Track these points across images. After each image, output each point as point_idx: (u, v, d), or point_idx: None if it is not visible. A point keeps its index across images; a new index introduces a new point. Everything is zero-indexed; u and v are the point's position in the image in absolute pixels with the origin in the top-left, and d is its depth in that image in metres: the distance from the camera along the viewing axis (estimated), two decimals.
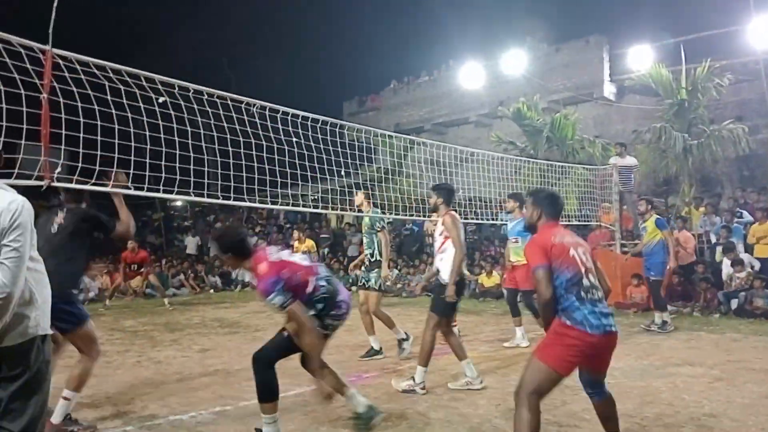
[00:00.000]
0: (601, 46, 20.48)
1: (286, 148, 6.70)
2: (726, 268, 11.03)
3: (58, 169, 4.44)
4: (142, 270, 14.02)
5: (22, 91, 4.29)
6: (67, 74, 4.50)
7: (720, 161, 15.02)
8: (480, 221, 10.76)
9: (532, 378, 3.53)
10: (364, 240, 7.56)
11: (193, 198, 6.06)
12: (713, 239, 12.34)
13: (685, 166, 14.04)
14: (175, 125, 5.62)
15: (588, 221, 12.72)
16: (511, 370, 6.39)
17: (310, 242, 11.07)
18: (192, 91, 5.59)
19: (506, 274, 9.52)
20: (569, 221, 12.55)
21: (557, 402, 5.08)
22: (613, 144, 14.53)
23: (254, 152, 6.38)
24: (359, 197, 7.51)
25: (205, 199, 6.32)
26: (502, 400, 5.19)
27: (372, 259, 7.31)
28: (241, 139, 6.31)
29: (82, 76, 4.65)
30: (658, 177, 15.79)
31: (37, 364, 2.54)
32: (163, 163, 5.48)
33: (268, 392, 4.18)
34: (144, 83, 5.20)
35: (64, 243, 4.61)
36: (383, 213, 7.81)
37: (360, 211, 7.65)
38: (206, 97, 5.85)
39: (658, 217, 9.32)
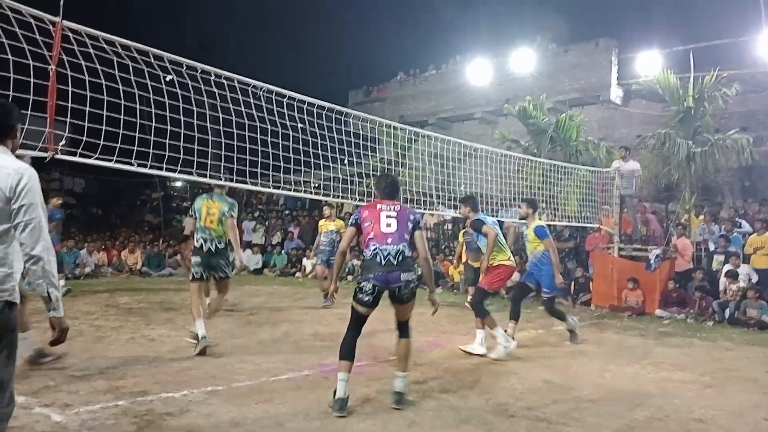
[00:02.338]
0: (610, 49, 20.41)
1: (290, 133, 6.70)
2: (724, 277, 11.05)
3: (63, 142, 4.44)
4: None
5: (30, 62, 4.28)
6: (76, 47, 4.50)
7: (722, 170, 15.00)
8: (480, 216, 10.75)
9: None
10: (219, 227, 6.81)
11: (194, 178, 6.08)
12: (711, 248, 12.36)
13: (688, 174, 14.03)
14: (181, 104, 5.62)
15: (588, 223, 12.73)
16: (503, 365, 6.42)
17: (340, 222, 10.93)
18: (200, 71, 5.60)
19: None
20: (569, 222, 12.58)
21: (547, 400, 5.11)
22: (618, 148, 14.52)
23: (258, 136, 6.38)
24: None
25: (207, 179, 6.33)
26: (492, 395, 5.21)
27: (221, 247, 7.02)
28: (246, 121, 6.32)
29: (91, 50, 4.65)
30: (659, 183, 15.76)
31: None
32: (167, 141, 5.48)
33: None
34: (152, 60, 5.20)
35: None
36: None
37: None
38: (213, 78, 5.85)
39: (539, 224, 7.97)
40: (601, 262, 12.33)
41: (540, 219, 8.55)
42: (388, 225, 4.77)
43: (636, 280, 11.35)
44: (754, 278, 10.83)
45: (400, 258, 4.69)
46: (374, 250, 4.70)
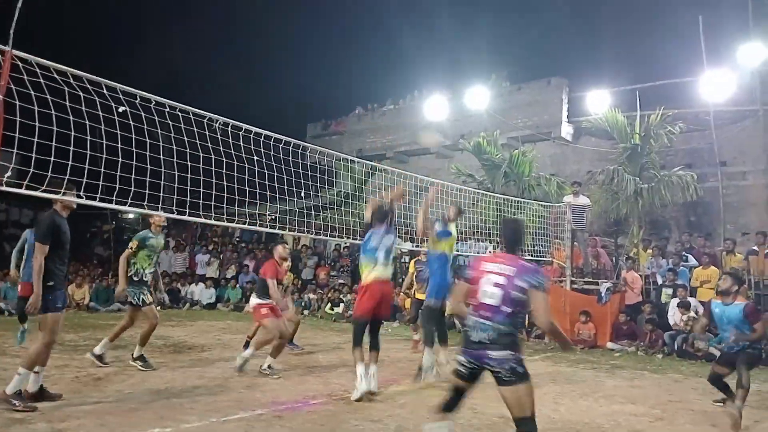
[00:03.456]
0: (561, 87, 21.08)
1: (246, 166, 6.65)
2: (672, 309, 11.34)
3: (8, 173, 4.30)
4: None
5: None
6: (25, 77, 4.40)
7: (669, 206, 15.54)
8: None
9: None
10: (154, 258, 7.86)
11: (146, 211, 5.96)
12: (659, 281, 12.70)
13: (636, 209, 14.48)
14: (133, 136, 5.53)
15: (541, 257, 12.94)
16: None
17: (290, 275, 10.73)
18: (154, 102, 5.53)
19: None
20: (522, 255, 12.76)
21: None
22: (569, 183, 14.91)
23: (213, 168, 6.31)
24: (161, 216, 7.42)
25: (159, 213, 6.21)
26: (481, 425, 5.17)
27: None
28: (200, 154, 6.25)
29: (42, 80, 4.55)
30: (609, 217, 16.22)
31: None
32: (118, 173, 5.37)
33: None
34: (105, 92, 5.12)
35: None
36: (341, 237, 7.80)
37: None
38: (168, 109, 5.78)
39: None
40: (554, 295, 12.49)
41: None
42: (491, 296, 4.02)
43: (588, 313, 11.54)
44: (701, 311, 11.14)
45: (495, 336, 3.95)
46: (473, 321, 4.06)
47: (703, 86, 16.51)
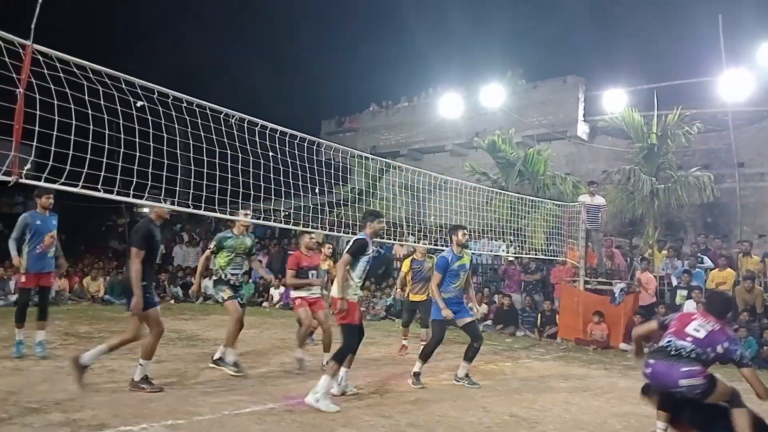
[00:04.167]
0: (577, 86, 20.93)
1: (261, 161, 6.67)
2: (687, 311, 11.24)
3: (28, 166, 4.36)
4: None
5: None
6: (45, 71, 4.44)
7: (685, 207, 15.40)
8: None
9: None
10: (238, 260, 7.66)
11: (162, 205, 6.00)
12: (674, 282, 12.60)
13: (651, 209, 14.38)
14: (151, 130, 5.57)
15: (555, 256, 12.90)
16: (471, 398, 6.39)
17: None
18: (171, 97, 5.56)
19: None
20: (536, 254, 12.72)
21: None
22: (585, 182, 14.82)
23: (229, 163, 6.35)
24: (244, 218, 7.47)
25: (175, 207, 6.26)
26: (460, 430, 5.18)
27: (241, 281, 7.80)
28: (216, 149, 6.28)
29: (61, 74, 4.60)
30: (624, 218, 16.11)
31: None
32: (135, 167, 5.41)
33: None
34: (123, 86, 5.15)
35: None
36: (354, 234, 7.80)
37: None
38: (185, 104, 5.81)
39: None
40: (567, 295, 12.46)
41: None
42: (696, 330, 4.53)
43: (601, 314, 11.48)
44: None
45: (693, 356, 4.37)
46: (668, 341, 4.56)
47: (722, 86, 16.33)
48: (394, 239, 9.20)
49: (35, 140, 4.43)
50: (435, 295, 7.20)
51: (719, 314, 4.70)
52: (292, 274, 7.92)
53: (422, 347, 7.47)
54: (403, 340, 9.62)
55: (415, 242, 9.77)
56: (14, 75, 4.24)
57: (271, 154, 6.74)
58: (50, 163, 4.59)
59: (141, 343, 6.09)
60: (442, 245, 9.80)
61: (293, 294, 8.06)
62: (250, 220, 7.56)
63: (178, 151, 5.89)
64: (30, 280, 7.54)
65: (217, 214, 6.39)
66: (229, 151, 6.31)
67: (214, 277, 7.70)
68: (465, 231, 7.49)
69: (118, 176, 5.18)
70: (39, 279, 7.61)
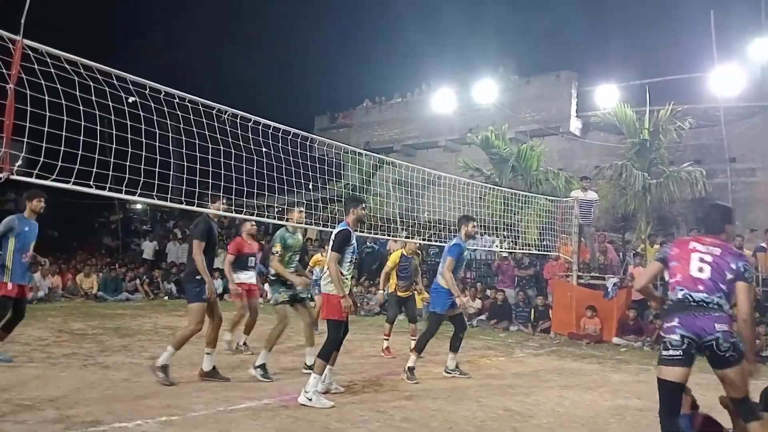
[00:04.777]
0: (570, 81, 20.99)
1: (254, 157, 6.66)
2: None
3: (19, 162, 4.33)
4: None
5: None
6: (36, 66, 4.42)
7: (677, 202, 15.49)
8: (443, 244, 10.82)
9: None
10: (296, 257, 7.31)
11: (155, 201, 5.97)
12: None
13: (644, 204, 14.45)
14: (143, 126, 5.54)
15: (548, 251, 12.94)
16: (464, 392, 6.41)
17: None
18: (163, 93, 5.54)
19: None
20: (529, 249, 12.76)
21: (507, 429, 5.11)
22: (577, 178, 14.87)
23: (222, 159, 6.33)
24: (296, 216, 7.30)
25: (168, 203, 6.23)
26: (454, 423, 5.19)
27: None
28: (209, 145, 6.26)
29: (52, 70, 4.57)
30: (616, 213, 16.19)
31: None
32: (127, 163, 5.39)
33: None
34: (115, 82, 5.13)
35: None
36: None
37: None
38: (177, 100, 5.79)
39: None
40: (560, 289, 12.50)
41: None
42: (700, 270, 3.95)
43: (594, 308, 11.53)
44: None
45: (716, 307, 3.82)
46: (684, 294, 3.94)
47: (714, 82, 16.41)
48: (388, 234, 9.20)
49: (26, 136, 4.41)
50: (449, 283, 7.07)
51: (718, 231, 4.19)
52: (231, 259, 8.30)
53: (415, 341, 7.44)
54: (384, 341, 8.84)
55: (407, 237, 9.75)
56: (4, 71, 4.21)
57: (264, 150, 6.73)
58: (42, 159, 4.56)
59: (205, 334, 6.52)
60: (436, 241, 9.83)
61: (236, 279, 8.25)
62: (247, 217, 7.53)
63: (170, 147, 5.87)
64: (14, 289, 6.68)
65: (211, 210, 6.36)
66: (221, 147, 6.30)
67: (271, 278, 7.31)
68: (475, 223, 7.49)
69: (110, 172, 5.16)
70: (21, 290, 6.85)
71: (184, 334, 6.29)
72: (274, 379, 6.67)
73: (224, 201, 6.44)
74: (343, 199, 7.49)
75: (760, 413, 3.86)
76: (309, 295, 7.74)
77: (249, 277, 8.42)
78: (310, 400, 5.51)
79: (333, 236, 6.00)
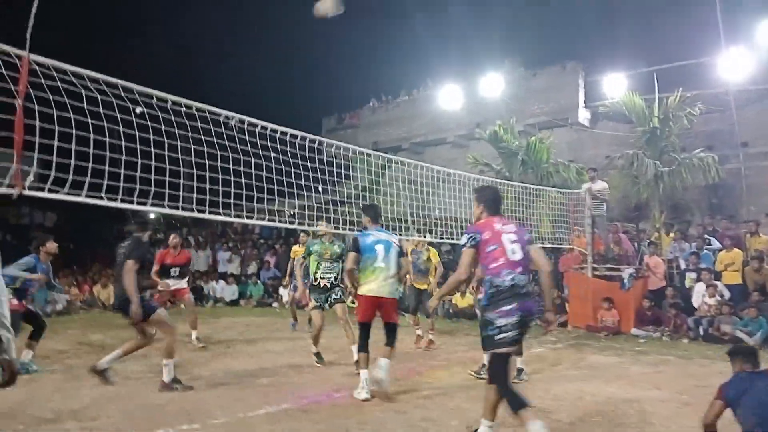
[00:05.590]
0: (576, 72, 20.84)
1: (263, 162, 6.66)
2: (697, 294, 11.20)
3: (30, 178, 4.36)
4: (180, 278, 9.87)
5: None
6: (43, 81, 4.44)
7: (690, 189, 15.34)
8: (455, 241, 10.77)
9: None
10: (325, 265, 7.90)
11: (167, 210, 5.99)
12: (683, 265, 12.55)
13: (656, 193, 14.32)
14: (151, 136, 5.56)
15: (561, 244, 12.86)
16: (482, 391, 6.37)
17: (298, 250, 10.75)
18: (170, 102, 5.56)
19: None
20: (543, 243, 12.68)
21: None
22: (588, 169, 14.76)
23: (231, 166, 6.34)
24: (323, 227, 7.88)
25: (180, 212, 6.24)
26: (473, 421, 5.16)
27: (333, 283, 7.89)
28: (218, 152, 6.27)
29: (59, 84, 4.59)
30: (629, 202, 16.06)
31: None
32: (138, 174, 5.42)
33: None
34: (122, 93, 5.15)
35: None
36: (359, 230, 7.81)
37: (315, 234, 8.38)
38: (184, 108, 5.81)
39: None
40: (576, 282, 12.43)
41: None
42: (513, 252, 4.34)
43: (611, 300, 11.45)
44: (727, 294, 11.01)
45: (530, 288, 4.41)
46: (512, 278, 4.26)
47: (722, 66, 16.24)
48: (400, 234, 9.17)
49: (36, 151, 4.43)
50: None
51: (495, 211, 4.61)
52: (156, 269, 8.90)
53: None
54: (417, 331, 9.53)
55: (422, 236, 9.79)
56: (12, 86, 4.23)
57: (272, 154, 6.73)
58: (53, 173, 4.59)
59: (160, 347, 6.39)
60: (448, 238, 9.80)
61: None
62: (259, 222, 7.66)
63: (180, 156, 5.88)
64: (19, 306, 7.32)
65: (221, 218, 6.37)
66: (230, 154, 6.31)
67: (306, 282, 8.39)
68: None
69: (121, 183, 5.18)
70: (22, 305, 7.43)
71: (168, 343, 6.33)
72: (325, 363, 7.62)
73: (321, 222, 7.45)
74: (353, 200, 7.53)
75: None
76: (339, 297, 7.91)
77: (174, 282, 9.37)
78: (359, 393, 5.90)
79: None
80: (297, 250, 11.02)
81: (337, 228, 8.11)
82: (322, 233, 8.03)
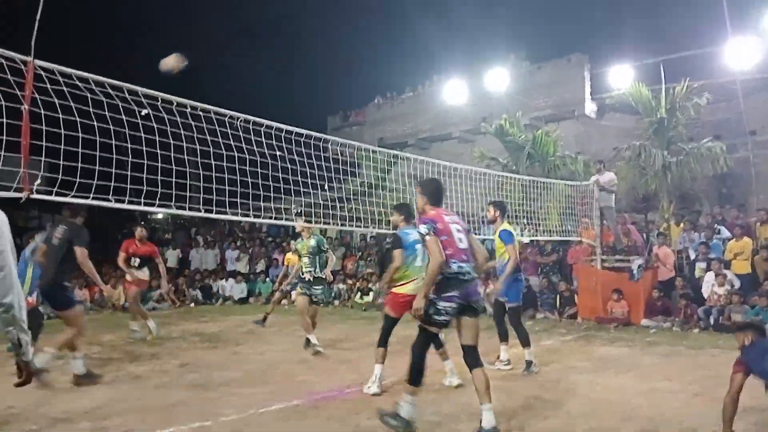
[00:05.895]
0: (582, 64, 20.77)
1: (269, 161, 6.70)
2: (706, 284, 11.15)
3: (38, 181, 4.40)
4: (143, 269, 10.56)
5: (2, 102, 4.26)
6: (48, 86, 4.48)
7: (698, 179, 15.25)
8: None
9: None
10: (305, 260, 8.38)
11: (174, 211, 6.03)
12: (692, 255, 12.49)
13: (665, 183, 14.25)
14: (157, 138, 5.60)
15: (569, 236, 12.83)
16: (493, 384, 6.38)
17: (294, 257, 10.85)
18: (175, 103, 5.59)
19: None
20: (551, 236, 12.66)
21: (539, 417, 5.08)
22: (595, 161, 14.71)
23: (237, 165, 6.37)
24: (299, 224, 8.27)
25: (187, 212, 6.29)
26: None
27: (316, 276, 8.31)
28: (224, 152, 6.30)
29: (64, 88, 4.63)
30: (638, 194, 15.99)
31: None
32: (144, 175, 5.46)
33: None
34: (127, 95, 5.18)
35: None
36: (366, 227, 7.86)
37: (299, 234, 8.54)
38: (189, 110, 5.84)
39: (506, 228, 7.25)
40: (585, 274, 12.40)
41: (509, 224, 7.48)
42: (460, 240, 4.67)
43: (620, 291, 11.42)
44: (737, 284, 10.95)
45: (473, 274, 4.68)
46: (458, 267, 4.58)
47: (729, 55, 16.12)
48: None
49: (43, 155, 4.47)
50: (509, 275, 7.02)
51: (438, 202, 4.90)
52: (123, 257, 9.91)
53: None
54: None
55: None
56: (18, 92, 4.27)
57: (278, 153, 6.76)
58: (60, 176, 4.63)
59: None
60: None
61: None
62: (266, 221, 7.68)
63: (186, 157, 5.91)
64: (33, 302, 7.54)
65: (229, 217, 6.41)
66: (236, 153, 6.34)
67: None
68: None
69: (128, 185, 5.22)
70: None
71: (70, 338, 6.35)
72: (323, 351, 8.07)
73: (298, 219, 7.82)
74: (359, 197, 7.56)
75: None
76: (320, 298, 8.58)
77: (136, 272, 10.18)
78: (369, 388, 6.04)
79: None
80: (290, 257, 11.31)
81: (343, 225, 8.14)
82: (299, 230, 8.38)
